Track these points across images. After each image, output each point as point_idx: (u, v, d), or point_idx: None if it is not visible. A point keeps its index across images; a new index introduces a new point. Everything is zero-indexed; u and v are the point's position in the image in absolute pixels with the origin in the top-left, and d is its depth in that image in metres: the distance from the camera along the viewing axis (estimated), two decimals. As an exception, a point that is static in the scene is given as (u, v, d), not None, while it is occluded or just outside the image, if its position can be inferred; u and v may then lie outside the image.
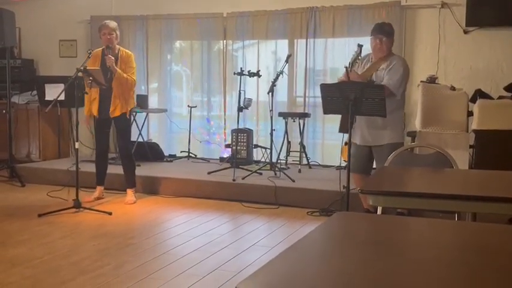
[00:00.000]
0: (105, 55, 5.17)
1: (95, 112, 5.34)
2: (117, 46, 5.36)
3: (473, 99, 5.45)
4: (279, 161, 6.30)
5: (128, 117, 5.43)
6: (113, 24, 5.32)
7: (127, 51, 5.44)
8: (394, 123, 4.56)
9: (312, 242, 1.83)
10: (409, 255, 1.70)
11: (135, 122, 6.90)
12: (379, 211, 3.24)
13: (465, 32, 6.15)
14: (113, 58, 5.19)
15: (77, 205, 5.00)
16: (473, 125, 5.09)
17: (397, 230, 2.03)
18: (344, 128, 4.59)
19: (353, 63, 4.53)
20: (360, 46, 4.52)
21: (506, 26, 5.95)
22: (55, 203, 5.31)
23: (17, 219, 4.79)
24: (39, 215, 4.83)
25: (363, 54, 4.62)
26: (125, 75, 5.22)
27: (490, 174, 3.16)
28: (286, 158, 6.69)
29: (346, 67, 4.50)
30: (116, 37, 5.29)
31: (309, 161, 6.73)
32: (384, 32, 4.60)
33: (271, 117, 6.05)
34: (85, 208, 5.02)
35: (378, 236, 1.94)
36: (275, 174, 5.96)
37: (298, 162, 6.58)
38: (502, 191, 2.60)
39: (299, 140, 6.61)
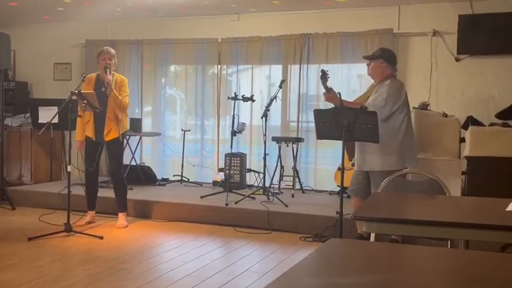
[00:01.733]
0: (104, 74, 5.19)
1: (90, 134, 5.33)
2: (113, 72, 5.39)
3: (465, 126, 5.50)
4: (272, 185, 6.30)
5: (121, 140, 5.42)
6: (112, 51, 5.38)
7: (121, 76, 5.47)
8: (387, 149, 4.46)
9: (305, 269, 1.82)
10: (402, 283, 1.69)
11: (128, 145, 6.89)
12: (372, 237, 3.23)
13: (457, 60, 6.24)
14: (110, 77, 5.21)
15: (68, 229, 4.95)
16: (466, 152, 5.12)
17: (390, 258, 2.02)
18: (350, 150, 4.62)
19: (328, 87, 4.55)
20: (322, 71, 4.58)
21: (496, 54, 6.04)
22: (46, 226, 5.26)
23: (7, 243, 4.73)
24: (29, 239, 4.77)
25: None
26: (119, 96, 5.24)
27: (482, 201, 3.17)
28: (280, 183, 6.68)
29: (339, 93, 4.51)
30: (113, 64, 5.33)
31: (302, 185, 6.73)
32: (369, 56, 4.66)
33: (265, 142, 6.06)
34: (76, 232, 4.97)
35: (371, 264, 1.93)
36: (268, 198, 5.95)
37: (291, 187, 6.57)
38: (494, 218, 2.60)
39: (292, 164, 6.61)
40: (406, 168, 4.47)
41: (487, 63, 6.13)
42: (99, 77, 5.36)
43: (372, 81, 4.79)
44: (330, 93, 4.49)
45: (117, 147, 5.41)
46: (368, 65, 4.64)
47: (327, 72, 4.59)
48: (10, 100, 7.62)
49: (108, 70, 5.20)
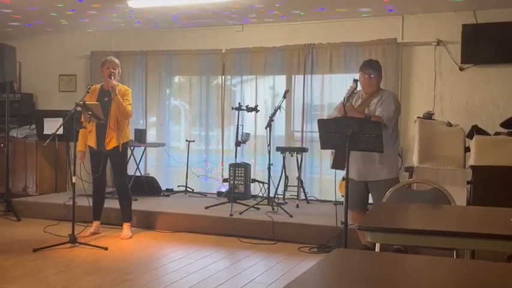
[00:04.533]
0: (109, 80, 5.21)
1: (92, 144, 5.34)
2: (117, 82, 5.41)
3: (470, 135, 5.48)
4: (276, 195, 6.28)
5: (122, 150, 5.42)
6: (117, 60, 5.41)
7: (125, 86, 5.50)
8: (389, 158, 4.56)
9: (310, 279, 1.81)
10: (408, 294, 1.68)
11: (133, 156, 6.90)
12: (377, 247, 3.22)
13: (461, 69, 6.23)
14: (116, 83, 5.24)
15: (73, 240, 4.95)
16: (471, 161, 5.10)
17: (396, 268, 2.01)
18: (337, 164, 4.58)
19: (348, 97, 4.55)
20: (356, 81, 4.57)
21: (501, 63, 6.04)
22: (50, 237, 5.26)
23: (12, 254, 4.73)
24: (34, 250, 4.78)
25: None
26: (123, 103, 5.26)
27: (488, 210, 3.15)
28: (284, 193, 6.67)
29: (342, 102, 4.52)
30: (117, 74, 5.35)
31: (307, 195, 6.71)
32: (372, 67, 4.66)
33: (269, 152, 6.06)
34: (81, 243, 4.97)
35: (376, 274, 1.92)
36: (273, 209, 5.93)
37: (296, 197, 6.56)
38: (500, 228, 2.59)
39: (297, 174, 6.60)
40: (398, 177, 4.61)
41: (491, 72, 6.13)
42: (102, 87, 5.38)
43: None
44: (348, 107, 4.48)
45: (118, 156, 5.41)
46: (368, 74, 4.63)
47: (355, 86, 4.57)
48: (16, 111, 7.66)
49: (113, 77, 5.23)
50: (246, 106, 6.30)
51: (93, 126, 5.31)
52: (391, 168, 4.59)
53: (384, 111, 4.50)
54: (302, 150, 6.63)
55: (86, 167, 5.48)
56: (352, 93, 4.55)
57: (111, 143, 5.30)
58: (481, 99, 6.18)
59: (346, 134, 4.16)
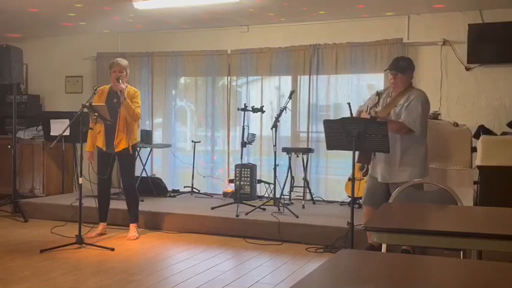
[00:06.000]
0: (117, 84, 5.22)
1: (100, 145, 5.36)
2: (126, 84, 5.41)
3: (476, 135, 5.46)
4: (282, 196, 6.28)
5: (132, 152, 5.45)
6: (124, 62, 5.37)
7: (134, 88, 5.49)
8: (411, 161, 4.44)
9: (317, 280, 1.81)
10: (415, 295, 1.68)
11: (139, 157, 6.92)
12: (383, 248, 3.21)
13: (467, 69, 6.21)
14: (124, 86, 5.24)
15: (80, 241, 4.97)
16: (477, 161, 5.08)
17: (402, 269, 2.01)
18: (361, 158, 4.58)
19: (370, 109, 4.51)
20: (379, 94, 4.53)
21: (507, 63, 6.01)
22: (57, 238, 5.28)
23: (19, 255, 4.76)
24: (41, 251, 4.80)
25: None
26: (132, 105, 5.27)
27: (495, 211, 3.14)
28: (290, 194, 6.67)
29: (365, 110, 4.50)
30: (125, 75, 5.34)
31: (313, 196, 6.71)
32: (398, 67, 4.50)
33: (275, 153, 6.05)
34: (87, 244, 4.99)
35: (382, 275, 1.92)
36: (279, 209, 5.93)
37: (301, 198, 6.55)
38: (507, 228, 2.58)
39: (303, 175, 6.60)
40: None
41: (498, 72, 6.10)
42: (111, 89, 5.39)
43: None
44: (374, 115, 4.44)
45: (127, 158, 5.43)
46: (393, 75, 4.51)
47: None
48: (22, 113, 7.70)
49: (120, 80, 5.23)
50: (252, 107, 6.30)
51: (101, 127, 5.32)
52: (413, 171, 4.41)
53: (408, 117, 4.36)
54: (308, 150, 6.62)
55: (94, 167, 5.50)
56: (374, 106, 4.51)
57: (120, 145, 5.31)
58: (488, 99, 6.16)
59: (352, 134, 4.16)
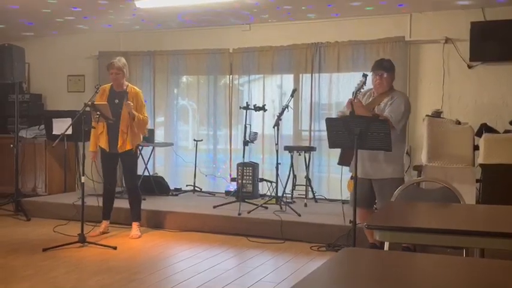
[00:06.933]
0: (125, 101, 5.20)
1: (103, 145, 5.36)
2: (126, 83, 5.40)
3: (478, 134, 5.45)
4: (284, 194, 6.28)
5: (135, 152, 5.45)
6: (120, 62, 5.32)
7: (135, 88, 5.48)
8: (395, 158, 4.54)
9: (319, 278, 1.81)
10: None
11: (141, 155, 6.92)
12: (386, 246, 3.21)
13: (469, 67, 6.20)
14: (132, 104, 5.21)
15: (82, 240, 4.98)
16: (480, 159, 5.08)
17: (405, 267, 2.01)
18: (343, 160, 4.61)
19: (357, 92, 4.51)
20: (365, 76, 4.53)
21: (510, 61, 5.99)
22: (60, 237, 5.29)
23: (22, 254, 4.76)
24: (44, 250, 4.80)
25: (366, 87, 4.61)
26: (141, 116, 5.28)
27: (497, 209, 3.13)
28: (292, 192, 6.66)
29: (350, 98, 4.50)
30: (123, 75, 5.33)
31: (315, 194, 6.70)
32: (383, 67, 4.61)
33: (277, 151, 6.05)
34: (90, 243, 5.00)
35: (385, 273, 1.92)
36: (281, 208, 5.93)
37: (304, 196, 6.55)
38: (510, 226, 2.57)
39: (305, 173, 6.60)
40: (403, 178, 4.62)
41: (500, 70, 6.09)
42: (112, 88, 5.39)
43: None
44: (356, 103, 4.44)
45: (131, 158, 5.44)
46: (379, 75, 4.59)
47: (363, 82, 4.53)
48: (25, 112, 7.71)
49: (129, 107, 5.19)
50: (254, 105, 6.30)
51: (103, 128, 5.32)
52: (396, 167, 4.56)
53: (393, 112, 4.47)
54: (310, 149, 6.62)
55: (97, 167, 5.50)
56: (361, 87, 4.50)
57: (123, 146, 5.31)
58: (490, 97, 6.14)
59: (354, 132, 4.15)
